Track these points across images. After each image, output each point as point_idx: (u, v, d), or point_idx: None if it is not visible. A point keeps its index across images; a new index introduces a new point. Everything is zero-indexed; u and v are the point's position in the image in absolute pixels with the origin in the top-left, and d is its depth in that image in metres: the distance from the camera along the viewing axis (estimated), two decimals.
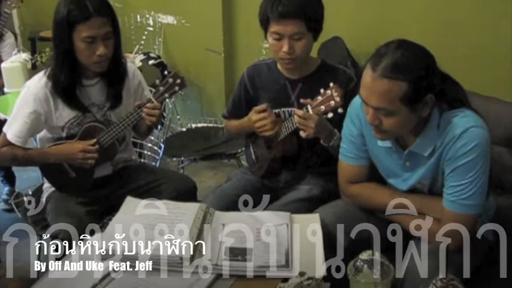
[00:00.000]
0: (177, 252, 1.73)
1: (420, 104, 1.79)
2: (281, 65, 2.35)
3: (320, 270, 1.70)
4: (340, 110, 2.09)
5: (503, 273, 2.02)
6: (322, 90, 2.11)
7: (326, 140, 2.22)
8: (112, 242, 1.79)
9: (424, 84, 1.76)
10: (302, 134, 2.18)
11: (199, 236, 1.84)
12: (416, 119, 1.84)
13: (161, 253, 1.74)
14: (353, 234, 2.04)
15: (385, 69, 1.73)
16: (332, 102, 2.08)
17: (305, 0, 2.21)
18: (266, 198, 2.35)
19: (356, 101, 2.08)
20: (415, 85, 1.74)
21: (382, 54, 1.76)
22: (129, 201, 2.05)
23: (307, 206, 2.31)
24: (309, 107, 2.13)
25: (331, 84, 2.10)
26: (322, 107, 2.10)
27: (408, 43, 1.81)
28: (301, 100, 2.16)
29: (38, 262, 2.73)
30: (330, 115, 2.11)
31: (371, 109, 1.82)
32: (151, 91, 2.45)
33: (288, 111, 2.40)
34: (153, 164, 3.50)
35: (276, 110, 2.41)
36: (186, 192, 2.52)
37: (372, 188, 2.10)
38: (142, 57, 4.11)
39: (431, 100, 1.80)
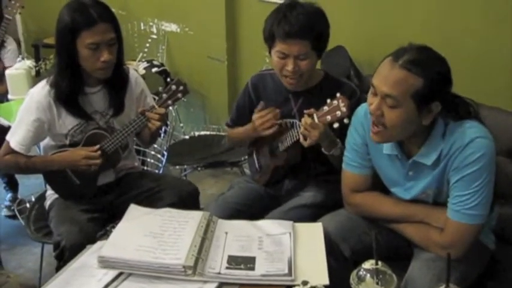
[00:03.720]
0: (179, 261, 1.73)
1: (426, 109, 1.80)
2: (284, 81, 2.33)
3: (323, 279, 1.70)
4: (346, 121, 2.08)
5: (504, 282, 2.02)
6: (328, 100, 2.10)
7: (327, 148, 2.22)
8: (115, 249, 1.80)
9: (437, 88, 1.79)
10: (303, 142, 2.18)
11: (202, 244, 1.84)
12: (416, 124, 1.84)
13: (164, 261, 1.74)
14: (356, 243, 2.05)
15: (406, 62, 1.77)
16: (338, 113, 2.07)
17: (312, 20, 2.19)
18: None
19: (360, 110, 2.08)
20: (429, 85, 1.77)
21: (405, 50, 1.81)
22: (132, 209, 2.06)
23: (310, 212, 2.31)
24: (315, 117, 2.12)
25: (338, 95, 2.09)
26: (329, 117, 2.09)
27: (431, 49, 1.86)
28: (305, 111, 2.16)
29: (40, 269, 2.75)
30: (336, 125, 2.10)
31: (377, 98, 1.83)
32: (154, 99, 2.46)
33: (290, 122, 2.40)
34: (156, 171, 3.50)
35: (279, 121, 2.42)
36: (188, 197, 2.52)
37: (375, 197, 2.10)
38: (145, 64, 4.13)
39: (437, 109, 1.82)
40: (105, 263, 1.78)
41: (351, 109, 2.09)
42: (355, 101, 2.28)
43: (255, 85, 2.49)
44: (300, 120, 2.20)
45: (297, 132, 2.25)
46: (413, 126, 1.85)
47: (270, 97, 2.45)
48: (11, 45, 3.89)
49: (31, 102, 2.38)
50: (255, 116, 2.37)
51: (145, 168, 3.30)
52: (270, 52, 2.30)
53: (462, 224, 1.85)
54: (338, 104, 2.08)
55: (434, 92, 1.78)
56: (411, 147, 1.95)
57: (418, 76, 1.76)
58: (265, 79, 2.47)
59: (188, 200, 2.49)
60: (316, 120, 2.12)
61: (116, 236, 1.89)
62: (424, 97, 1.78)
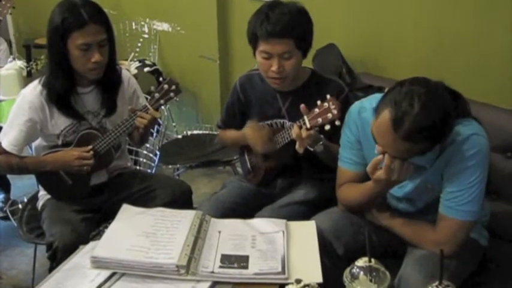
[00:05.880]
0: (173, 260, 1.72)
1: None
2: (270, 82, 2.32)
3: (316, 277, 1.69)
4: (337, 123, 2.07)
5: (496, 278, 2.03)
6: (319, 103, 2.09)
7: (311, 145, 2.20)
8: (108, 250, 1.79)
9: (444, 132, 1.77)
10: (299, 149, 2.16)
11: (195, 243, 1.84)
12: None
13: (157, 261, 1.73)
14: (349, 241, 2.05)
15: (408, 133, 1.70)
16: (329, 115, 2.06)
17: (294, 19, 2.18)
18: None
19: (354, 108, 2.08)
20: (437, 139, 1.76)
21: (404, 113, 1.69)
22: (125, 209, 2.05)
23: (302, 209, 2.31)
24: (306, 119, 2.11)
25: (328, 97, 2.08)
26: (320, 120, 2.08)
27: (428, 94, 1.71)
28: (301, 105, 2.12)
29: (33, 270, 2.74)
30: (327, 127, 2.08)
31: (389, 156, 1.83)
32: (146, 98, 2.45)
33: (280, 122, 2.40)
34: (149, 171, 3.50)
35: (268, 122, 2.42)
36: (181, 196, 2.52)
37: (351, 186, 2.10)
38: (137, 64, 4.12)
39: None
40: (98, 263, 1.77)
41: (340, 106, 2.09)
42: (343, 97, 2.28)
43: (242, 86, 2.48)
44: (289, 120, 2.19)
45: (288, 133, 2.24)
46: None
47: (258, 97, 2.44)
48: (2, 45, 3.88)
49: (23, 102, 2.37)
50: (248, 132, 2.38)
51: (137, 168, 3.29)
52: (254, 54, 2.29)
53: (455, 221, 1.86)
54: (329, 106, 2.07)
55: (443, 136, 1.77)
56: None
57: (423, 141, 1.72)
58: (253, 79, 2.46)
59: (181, 200, 2.49)
60: (307, 122, 2.10)
61: (109, 236, 1.88)
62: (435, 145, 1.78)
